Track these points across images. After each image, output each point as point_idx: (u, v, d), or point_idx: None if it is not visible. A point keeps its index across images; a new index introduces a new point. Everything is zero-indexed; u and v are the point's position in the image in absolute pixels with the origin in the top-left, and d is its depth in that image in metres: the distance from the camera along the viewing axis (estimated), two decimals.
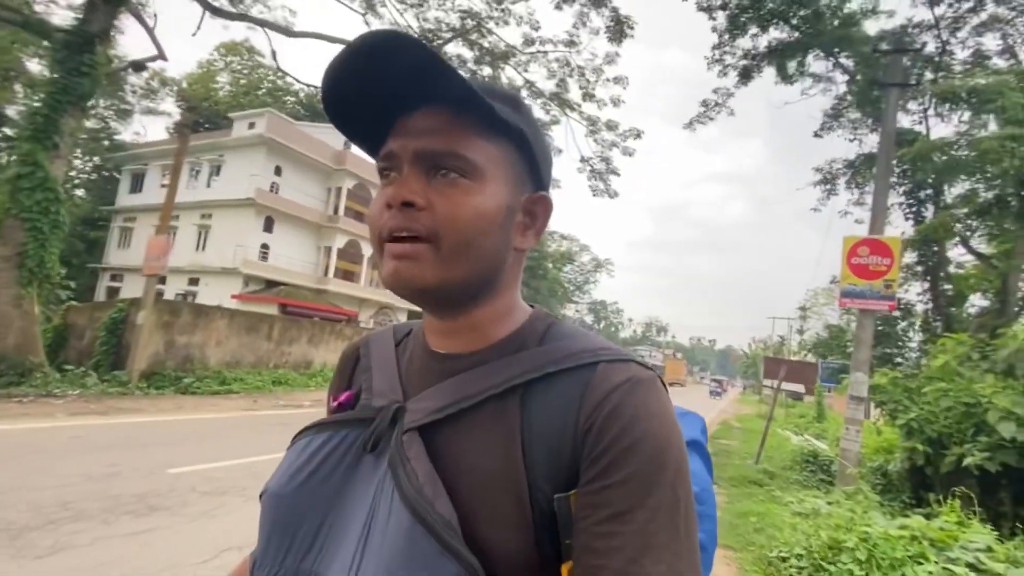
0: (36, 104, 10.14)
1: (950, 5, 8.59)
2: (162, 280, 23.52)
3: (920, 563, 3.47)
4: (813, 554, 3.91)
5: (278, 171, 24.49)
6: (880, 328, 11.10)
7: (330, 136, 25.45)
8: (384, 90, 0.53)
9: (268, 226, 23.89)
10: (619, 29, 11.00)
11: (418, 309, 0.58)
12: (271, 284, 23.12)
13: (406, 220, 0.52)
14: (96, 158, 28.35)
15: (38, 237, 9.76)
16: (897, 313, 11.24)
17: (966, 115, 8.41)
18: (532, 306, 0.63)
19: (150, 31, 12.88)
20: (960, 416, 6.26)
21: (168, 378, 11.81)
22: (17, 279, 9.55)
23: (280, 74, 35.02)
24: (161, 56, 13.65)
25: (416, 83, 0.52)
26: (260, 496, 0.57)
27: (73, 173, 28.48)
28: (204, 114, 27.96)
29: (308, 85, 18.91)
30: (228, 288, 21.69)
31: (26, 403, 8.19)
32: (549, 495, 0.50)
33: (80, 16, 10.63)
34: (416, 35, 13.02)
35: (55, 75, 10.16)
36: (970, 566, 3.40)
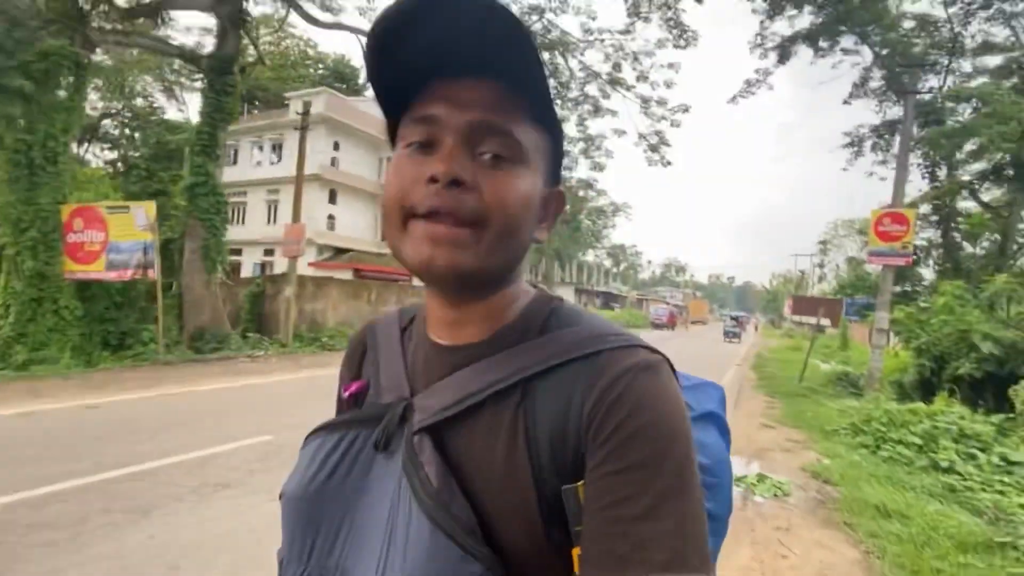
0: (200, 123, 12.42)
1: (962, 6, 10.34)
2: (238, 251, 26.15)
3: (920, 423, 6.02)
4: (854, 424, 6.50)
5: (336, 146, 26.54)
6: (901, 271, 13.40)
7: (377, 109, 27.20)
8: (434, 46, 0.49)
9: (332, 198, 26.19)
10: (683, 38, 12.82)
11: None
12: (339, 251, 25.66)
13: (453, 199, 0.49)
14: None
15: (214, 232, 12.28)
16: (913, 257, 13.51)
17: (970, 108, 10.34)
18: (534, 286, 0.63)
19: (254, 41, 14.87)
20: (956, 339, 8.73)
21: (305, 339, 14.54)
22: (204, 267, 12.15)
23: (310, 44, 36.34)
24: (261, 61, 15.70)
25: (488, 49, 0.48)
26: (280, 497, 0.58)
27: (135, 153, 30.72)
28: (247, 88, 29.68)
29: (359, 31, 20.67)
30: (301, 257, 24.26)
31: (257, 360, 10.97)
32: (556, 488, 0.50)
33: (217, 43, 12.72)
34: None
35: (209, 96, 12.38)
36: (949, 425, 5.94)
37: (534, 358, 0.54)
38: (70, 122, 10.85)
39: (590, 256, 60.94)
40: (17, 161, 10.12)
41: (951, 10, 10.32)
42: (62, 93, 10.77)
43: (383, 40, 0.49)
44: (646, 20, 13.01)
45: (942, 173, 12.60)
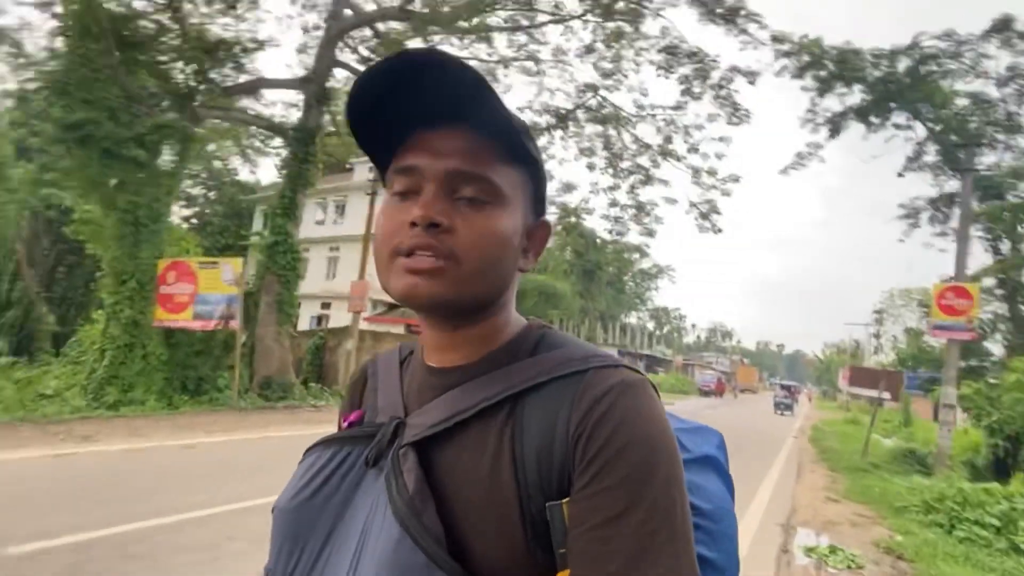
0: (282, 187, 13.62)
1: (1018, 86, 10.60)
2: (297, 304, 27.52)
3: (998, 504, 5.89)
4: (926, 502, 6.38)
5: None
6: (967, 345, 13.06)
7: None
8: (415, 104, 0.55)
9: None
10: (736, 116, 13.51)
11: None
12: (391, 307, 26.65)
13: (431, 240, 0.53)
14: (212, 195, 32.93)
15: (288, 287, 13.20)
16: (979, 332, 13.17)
17: None
18: (528, 319, 0.65)
19: (333, 115, 16.34)
20: None
21: None
22: (277, 319, 12.99)
23: None
24: (337, 133, 17.17)
25: (453, 103, 0.54)
26: (272, 511, 0.59)
27: (209, 210, 33.22)
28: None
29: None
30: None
31: (320, 409, 11.52)
32: (541, 504, 0.51)
33: (302, 116, 14.11)
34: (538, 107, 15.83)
35: (291, 164, 13.63)
36: None
37: (522, 376, 0.56)
38: (173, 186, 12.16)
39: (633, 318, 60.65)
40: (126, 220, 11.34)
41: (1005, 90, 10.58)
42: (167, 159, 12.13)
43: (362, 102, 0.55)
44: (698, 99, 13.73)
45: (1005, 246, 12.47)
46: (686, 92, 14.16)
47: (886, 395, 17.51)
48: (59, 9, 11.96)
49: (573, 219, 33.21)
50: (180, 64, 13.25)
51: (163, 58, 13.42)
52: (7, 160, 18.70)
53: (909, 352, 25.14)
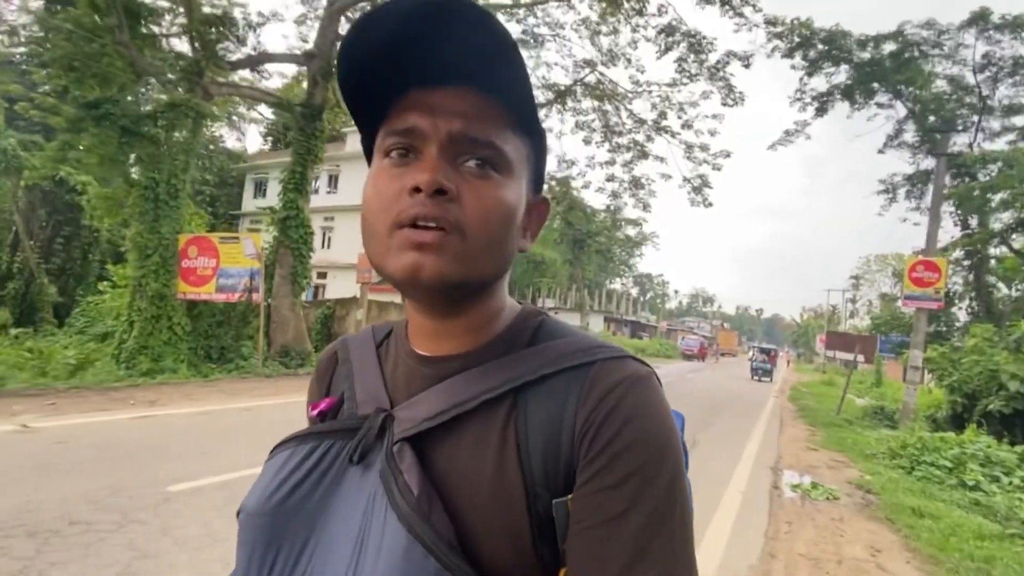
0: (291, 162, 14.05)
1: (991, 73, 11.42)
2: (310, 275, 27.99)
3: (951, 450, 6.97)
4: (891, 449, 7.47)
5: None
6: (935, 312, 14.24)
7: None
8: (417, 57, 0.49)
9: None
10: (731, 98, 14.14)
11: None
12: None
13: (437, 208, 0.48)
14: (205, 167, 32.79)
15: (301, 260, 13.78)
16: (944, 301, 14.37)
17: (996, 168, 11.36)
18: (520, 302, 0.62)
19: (335, 90, 16.62)
20: (987, 378, 9.61)
21: None
22: (291, 291, 13.62)
23: None
24: (339, 105, 17.42)
25: (471, 58, 0.48)
26: (237, 515, 0.54)
27: (199, 179, 33.07)
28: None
29: None
30: (353, 280, 25.90)
31: None
32: (547, 501, 0.49)
33: (308, 92, 14.43)
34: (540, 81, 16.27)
35: (299, 139, 14.03)
36: (976, 452, 6.88)
37: (525, 367, 0.53)
38: (188, 161, 12.55)
39: (617, 284, 61.89)
40: (146, 196, 11.78)
41: (980, 76, 11.40)
42: (180, 136, 12.50)
43: (359, 52, 0.49)
44: (693, 79, 14.34)
45: (974, 221, 13.52)
46: (682, 71, 14.75)
47: (861, 358, 18.80)
48: None
49: (564, 189, 33.77)
50: (187, 39, 13.44)
51: (170, 32, 13.60)
52: (1, 131, 18.66)
53: (883, 317, 26.63)
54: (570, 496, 0.49)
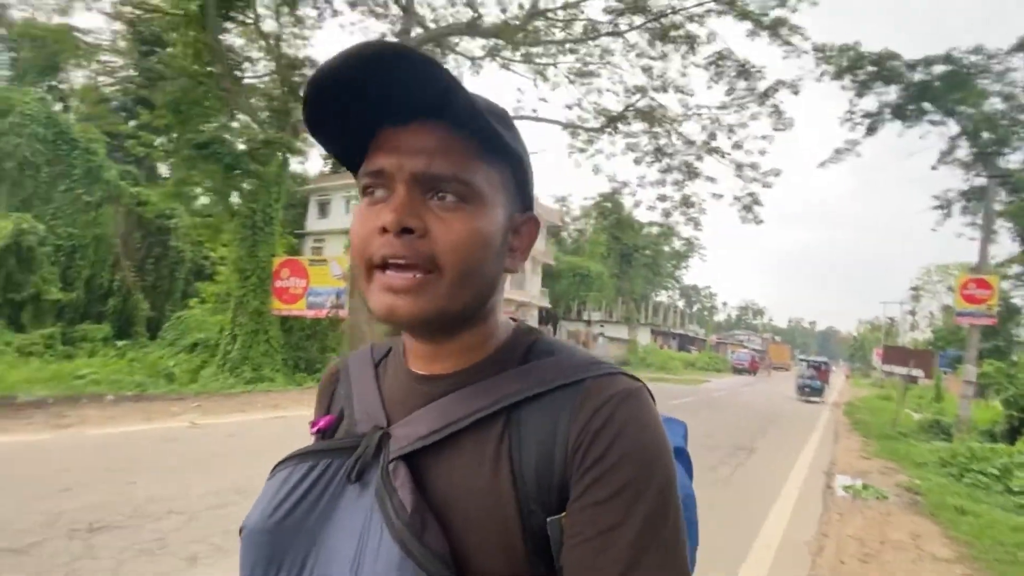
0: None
1: None
2: None
3: (1000, 459, 7.46)
4: (942, 458, 7.99)
5: None
6: (993, 328, 14.34)
7: None
8: (376, 99, 0.51)
9: None
10: (781, 123, 14.77)
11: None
12: None
13: (405, 247, 0.50)
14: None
15: None
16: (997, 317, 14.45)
17: None
18: (513, 320, 0.63)
19: None
20: None
21: None
22: (367, 307, 14.98)
23: None
24: None
25: (416, 96, 0.50)
26: (240, 532, 0.56)
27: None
28: None
29: None
30: None
31: None
32: (542, 518, 0.50)
33: None
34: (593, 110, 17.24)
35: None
36: None
37: (518, 386, 0.54)
38: (280, 192, 14.11)
39: (663, 296, 61.72)
40: (245, 224, 13.35)
41: None
42: (272, 169, 14.07)
43: (322, 99, 0.50)
44: (744, 107, 15.03)
45: None
46: (731, 96, 15.44)
47: (919, 373, 18.71)
48: (170, 35, 13.87)
49: (610, 204, 34.50)
50: (273, 82, 15.10)
51: (260, 79, 15.31)
52: (104, 163, 20.99)
53: (943, 331, 26.10)
54: (564, 514, 0.50)
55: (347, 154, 0.57)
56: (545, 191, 41.63)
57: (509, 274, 0.59)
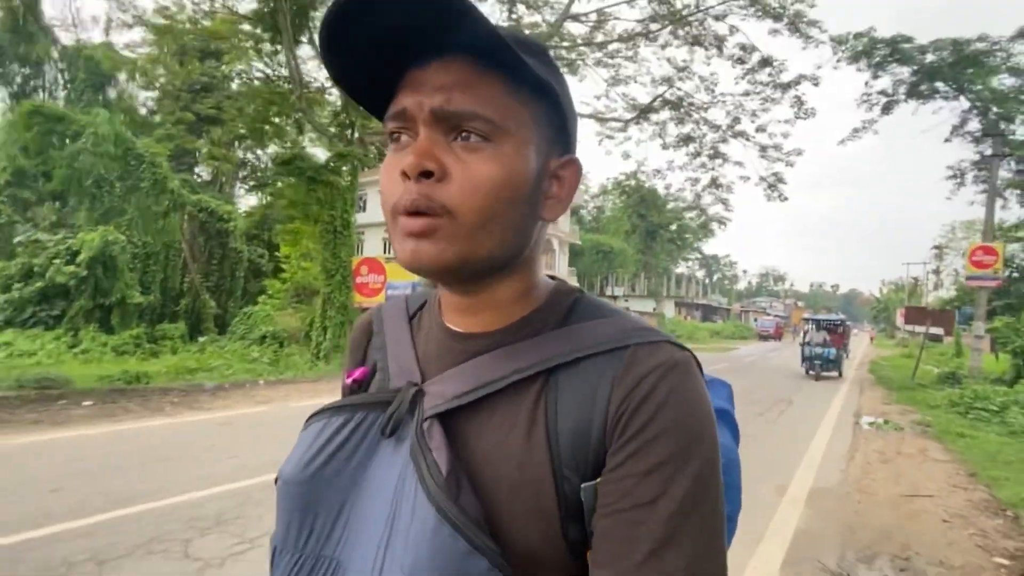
0: None
1: None
2: None
3: (1000, 399, 9.16)
4: (951, 400, 9.72)
5: None
6: (1006, 287, 15.82)
7: None
8: (394, 35, 0.48)
9: None
10: (803, 112, 16.16)
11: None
12: None
13: (424, 193, 0.48)
14: None
15: None
16: (1006, 272, 15.91)
17: None
18: (553, 278, 0.62)
19: None
20: None
21: None
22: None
23: None
24: None
25: (433, 26, 0.47)
26: (275, 481, 0.56)
27: None
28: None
29: None
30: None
31: None
32: (576, 485, 0.50)
33: None
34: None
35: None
36: (1020, 400, 9.03)
37: (558, 348, 0.53)
38: (352, 199, 15.95)
39: (682, 268, 63.01)
40: (327, 230, 15.24)
41: None
42: (345, 180, 15.90)
43: (334, 41, 0.49)
44: (769, 100, 16.45)
45: None
46: (754, 85, 16.85)
47: (939, 331, 20.18)
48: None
49: (634, 182, 35.88)
50: (337, 97, 16.81)
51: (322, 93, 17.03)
52: (168, 175, 23.03)
53: (964, 289, 27.34)
54: (598, 480, 0.49)
55: (378, 107, 0.54)
56: None
57: (547, 223, 0.56)
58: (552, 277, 0.62)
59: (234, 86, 23.00)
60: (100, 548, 3.17)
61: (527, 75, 0.49)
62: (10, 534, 3.30)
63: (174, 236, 24.71)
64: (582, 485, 0.50)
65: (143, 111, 27.09)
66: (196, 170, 26.60)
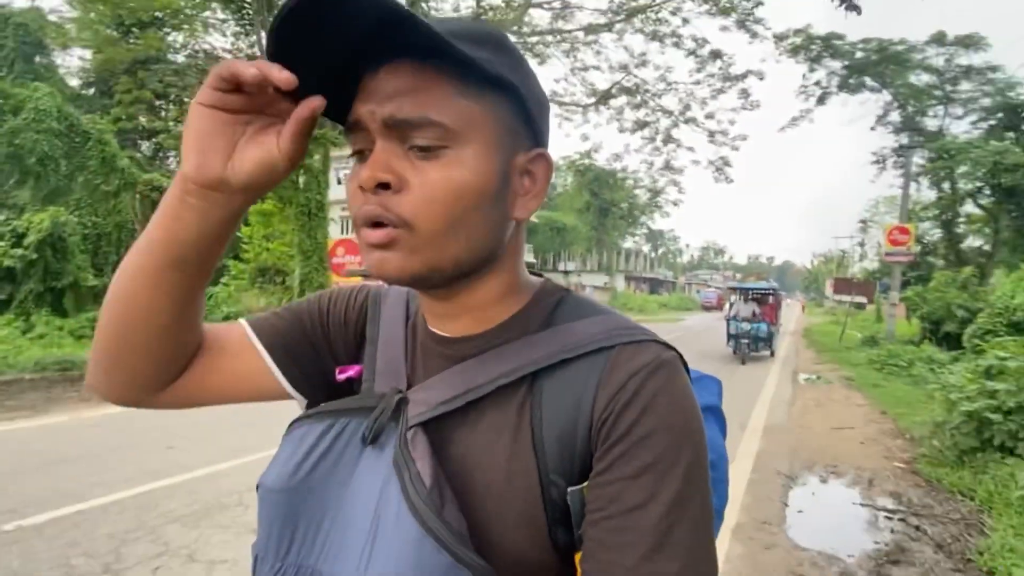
0: None
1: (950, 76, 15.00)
2: None
3: (907, 356, 11.06)
4: (870, 359, 11.62)
5: None
6: (917, 261, 18.16)
7: None
8: (341, 43, 0.47)
9: None
10: (749, 103, 17.71)
11: None
12: None
13: (382, 205, 0.47)
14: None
15: None
16: (918, 248, 18.29)
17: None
18: (538, 274, 0.61)
19: None
20: (945, 309, 13.56)
21: None
22: None
23: None
24: None
25: (375, 32, 0.46)
26: (256, 488, 0.54)
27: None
28: None
29: None
30: None
31: None
32: (563, 489, 0.50)
33: None
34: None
35: None
36: (929, 359, 10.96)
37: (542, 351, 0.53)
38: (325, 182, 16.44)
39: (628, 242, 65.52)
40: (303, 212, 15.74)
41: (943, 78, 15.07)
42: (316, 161, 16.34)
43: (283, 52, 0.44)
44: (720, 91, 17.96)
45: (947, 185, 17.31)
46: (706, 76, 18.30)
47: (862, 299, 22.65)
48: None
49: (587, 161, 37.19)
50: None
51: None
52: (117, 152, 22.54)
53: (879, 268, 30.45)
54: (585, 484, 0.49)
55: (341, 117, 0.51)
56: None
57: (519, 221, 0.54)
58: (538, 275, 0.62)
59: (180, 58, 22.58)
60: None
61: (476, 71, 0.47)
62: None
63: (126, 216, 24.22)
64: (569, 489, 0.50)
65: (74, 83, 26.03)
66: (139, 145, 25.89)
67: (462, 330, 0.57)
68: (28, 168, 20.80)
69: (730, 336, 12.91)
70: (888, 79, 17.27)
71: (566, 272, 44.12)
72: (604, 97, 20.15)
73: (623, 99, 20.76)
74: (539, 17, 19.09)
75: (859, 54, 17.07)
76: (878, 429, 6.40)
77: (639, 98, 20.29)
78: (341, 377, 0.62)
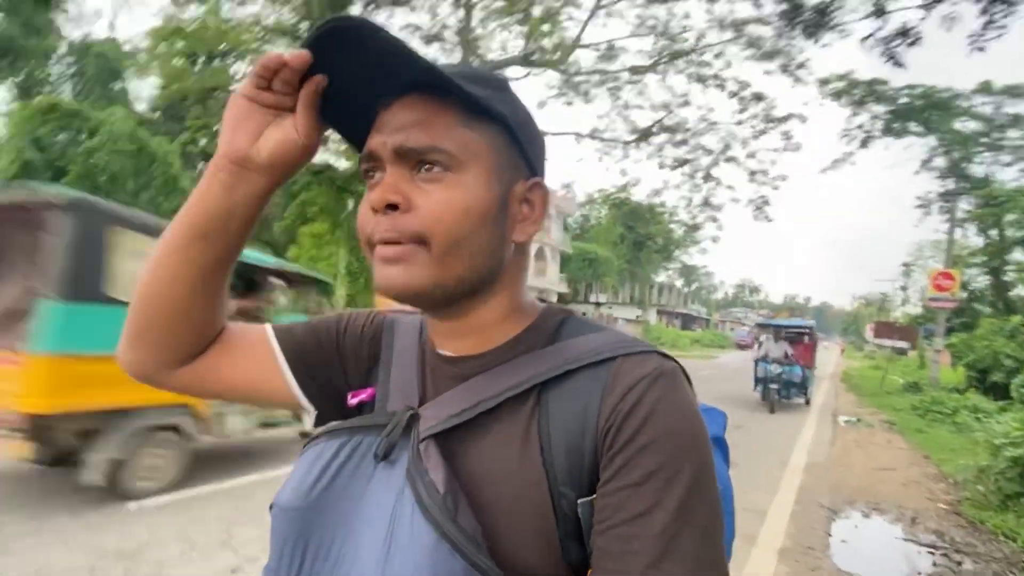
0: None
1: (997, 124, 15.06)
2: None
3: (952, 403, 10.96)
4: (913, 405, 11.52)
5: None
6: (962, 307, 17.89)
7: None
8: (358, 82, 0.53)
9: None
10: (791, 145, 18.02)
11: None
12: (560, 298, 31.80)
13: (392, 224, 0.52)
14: None
15: None
16: (963, 294, 17.99)
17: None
18: (543, 301, 0.64)
19: None
20: (993, 358, 13.37)
21: None
22: None
23: None
24: None
25: (386, 72, 0.52)
26: (270, 508, 0.56)
27: None
28: None
29: None
30: None
31: None
32: (573, 500, 0.51)
33: None
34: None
35: None
36: (974, 407, 10.85)
37: (548, 364, 0.55)
38: None
39: (662, 277, 65.21)
40: (352, 235, 16.50)
41: (990, 125, 15.12)
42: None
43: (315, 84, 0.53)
44: (762, 133, 18.30)
45: (994, 232, 17.15)
46: (748, 120, 18.66)
47: (905, 344, 22.23)
48: None
49: (623, 195, 37.69)
50: None
51: None
52: (180, 173, 23.96)
53: (923, 313, 29.79)
54: (594, 495, 0.50)
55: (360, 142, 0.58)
56: (553, 180, 44.82)
57: (518, 244, 0.58)
58: (541, 300, 0.65)
59: None
60: None
61: (477, 106, 0.53)
62: None
63: None
64: (579, 501, 0.51)
65: (141, 107, 27.82)
66: (199, 167, 27.42)
67: (468, 349, 0.59)
68: (99, 185, 22.29)
69: (758, 380, 11.37)
70: (933, 125, 17.34)
71: (598, 304, 44.23)
72: (645, 134, 20.66)
73: (664, 136, 21.24)
74: (585, 57, 19.86)
75: (903, 99, 17.24)
76: (920, 472, 6.48)
77: (680, 136, 20.75)
78: (353, 402, 0.64)
